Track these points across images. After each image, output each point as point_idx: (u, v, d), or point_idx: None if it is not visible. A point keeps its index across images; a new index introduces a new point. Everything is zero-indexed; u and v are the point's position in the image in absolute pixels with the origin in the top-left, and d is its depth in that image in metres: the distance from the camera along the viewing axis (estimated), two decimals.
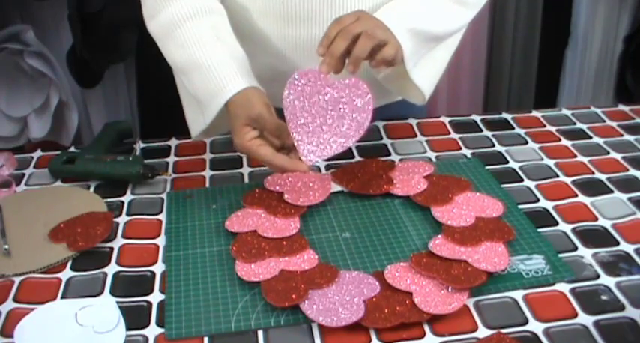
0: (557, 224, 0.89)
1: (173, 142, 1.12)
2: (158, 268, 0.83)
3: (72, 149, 1.10)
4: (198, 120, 0.99)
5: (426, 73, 1.03)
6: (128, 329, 0.73)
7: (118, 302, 0.77)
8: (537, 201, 0.94)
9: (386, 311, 0.73)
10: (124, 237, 0.88)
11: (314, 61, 0.91)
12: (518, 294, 0.77)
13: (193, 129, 1.05)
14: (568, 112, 1.20)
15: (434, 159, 1.05)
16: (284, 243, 0.84)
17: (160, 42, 0.97)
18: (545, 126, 1.15)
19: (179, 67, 0.96)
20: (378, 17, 0.92)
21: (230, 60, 0.92)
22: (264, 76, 0.96)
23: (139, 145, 1.10)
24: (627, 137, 1.11)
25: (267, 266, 0.80)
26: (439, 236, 0.84)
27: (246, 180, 1.01)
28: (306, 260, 0.81)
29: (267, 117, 0.87)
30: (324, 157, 0.88)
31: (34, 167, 1.06)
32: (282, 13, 0.98)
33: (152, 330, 0.73)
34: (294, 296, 0.75)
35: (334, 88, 0.87)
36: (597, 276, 0.79)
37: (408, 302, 0.74)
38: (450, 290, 0.75)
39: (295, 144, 0.87)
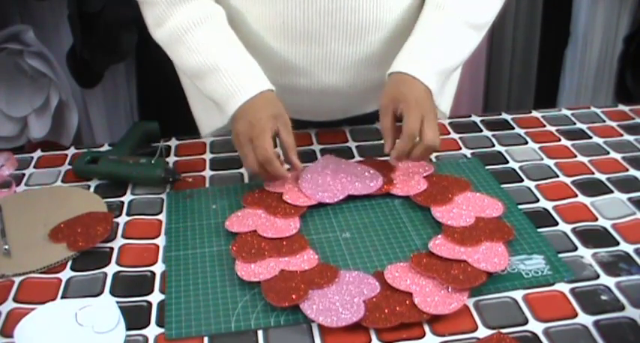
0: (557, 224, 0.89)
1: (173, 142, 1.12)
2: (158, 268, 0.82)
3: (106, 147, 1.10)
4: (211, 119, 1.04)
5: (447, 98, 1.10)
6: (128, 329, 0.73)
7: (118, 302, 0.76)
8: (537, 201, 0.94)
9: (386, 311, 0.73)
10: (124, 237, 0.88)
11: (313, 78, 1.02)
12: (518, 294, 0.77)
13: (205, 128, 1.09)
14: (568, 112, 1.20)
15: (434, 159, 1.05)
16: (284, 243, 0.84)
17: (168, 48, 0.99)
18: (545, 126, 1.15)
19: (192, 71, 0.98)
20: (408, 69, 0.95)
21: (244, 62, 0.96)
22: None
23: (164, 147, 1.08)
24: (627, 137, 1.11)
25: (267, 267, 0.80)
26: (439, 236, 0.84)
27: (246, 180, 1.01)
28: (306, 260, 0.81)
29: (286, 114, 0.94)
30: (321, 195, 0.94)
31: (34, 167, 1.06)
32: (283, 31, 0.98)
33: (152, 330, 0.73)
34: (294, 296, 0.75)
35: (352, 173, 0.98)
36: (597, 276, 0.79)
37: (408, 302, 0.74)
38: (449, 290, 0.75)
39: (300, 181, 0.96)
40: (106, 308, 0.76)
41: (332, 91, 1.06)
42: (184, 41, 0.96)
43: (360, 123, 1.15)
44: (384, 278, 0.78)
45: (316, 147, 1.09)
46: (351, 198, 0.95)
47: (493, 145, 1.09)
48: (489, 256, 0.80)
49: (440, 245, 0.82)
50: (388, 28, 1.01)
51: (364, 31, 0.99)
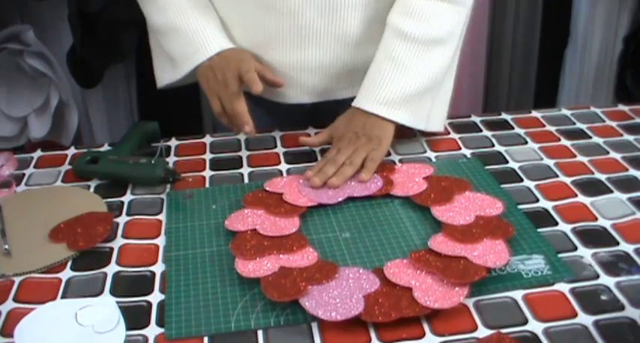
0: (557, 224, 0.89)
1: (173, 142, 1.12)
2: (158, 268, 0.82)
3: (106, 147, 1.10)
4: (167, 73, 1.11)
5: (438, 115, 1.09)
6: (128, 329, 0.73)
7: (118, 302, 0.77)
8: (537, 201, 0.94)
9: (386, 305, 0.73)
10: (124, 237, 0.88)
11: (285, 52, 1.04)
12: (518, 294, 0.77)
13: (160, 80, 1.15)
14: (568, 112, 1.20)
15: (434, 159, 1.05)
16: (283, 241, 0.84)
17: (141, 4, 1.07)
18: (545, 126, 1.15)
19: (157, 28, 1.07)
20: (364, 104, 1.00)
21: (205, 24, 1.03)
22: None
23: (164, 147, 1.08)
24: (627, 137, 1.11)
25: (266, 264, 0.80)
26: (439, 234, 0.84)
27: (246, 180, 1.01)
28: (305, 257, 0.81)
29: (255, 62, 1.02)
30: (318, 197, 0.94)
31: (34, 167, 1.06)
32: (259, 2, 1.00)
33: (152, 330, 0.73)
34: (293, 291, 0.75)
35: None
36: (597, 276, 0.79)
37: (407, 297, 0.74)
38: (449, 285, 0.75)
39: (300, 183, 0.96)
40: (106, 308, 0.76)
41: (306, 68, 1.06)
42: (154, 0, 1.04)
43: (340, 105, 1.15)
44: (384, 274, 0.78)
45: (316, 147, 1.09)
46: (350, 198, 0.94)
47: (493, 145, 1.09)
48: (489, 252, 0.80)
49: (440, 242, 0.82)
50: (362, 7, 1.01)
51: (339, 7, 0.99)
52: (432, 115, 1.06)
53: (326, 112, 1.08)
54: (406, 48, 0.98)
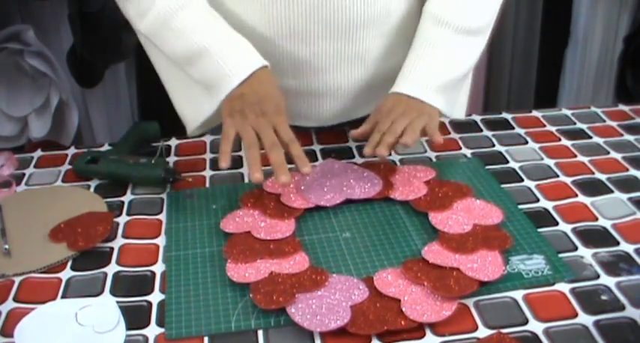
0: (557, 224, 0.89)
1: (173, 142, 1.12)
2: (158, 268, 0.82)
3: (106, 147, 1.10)
4: (198, 109, 1.00)
5: (461, 104, 1.09)
6: (128, 329, 0.73)
7: (118, 302, 0.77)
8: (537, 201, 0.94)
9: (371, 317, 0.72)
10: (124, 236, 0.88)
11: (301, 79, 1.02)
12: (518, 294, 0.77)
13: (191, 123, 1.05)
14: (568, 112, 1.20)
15: (434, 159, 1.05)
16: (277, 245, 0.84)
17: (154, 37, 0.97)
18: (545, 126, 1.15)
19: (182, 56, 0.96)
20: (407, 88, 0.96)
21: (234, 41, 0.95)
22: None
23: (164, 147, 1.08)
24: (627, 137, 1.11)
25: (257, 268, 0.79)
26: (434, 242, 0.83)
27: (246, 180, 1.01)
28: (297, 262, 0.80)
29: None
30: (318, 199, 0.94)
31: (34, 167, 1.06)
32: (268, 29, 0.97)
33: (152, 330, 0.73)
34: (281, 299, 0.74)
35: (352, 177, 0.97)
36: (597, 276, 0.79)
37: (395, 308, 0.73)
38: (439, 298, 0.74)
39: (299, 185, 0.95)
40: (106, 308, 0.76)
41: (322, 93, 1.04)
42: (170, 26, 0.94)
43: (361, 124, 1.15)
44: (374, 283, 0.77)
45: (316, 147, 1.09)
46: (349, 201, 0.94)
47: (493, 145, 1.09)
48: (483, 265, 0.79)
49: (434, 251, 0.81)
50: (376, 24, 0.99)
51: (351, 27, 0.97)
52: (457, 104, 1.06)
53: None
54: (446, 36, 0.97)
